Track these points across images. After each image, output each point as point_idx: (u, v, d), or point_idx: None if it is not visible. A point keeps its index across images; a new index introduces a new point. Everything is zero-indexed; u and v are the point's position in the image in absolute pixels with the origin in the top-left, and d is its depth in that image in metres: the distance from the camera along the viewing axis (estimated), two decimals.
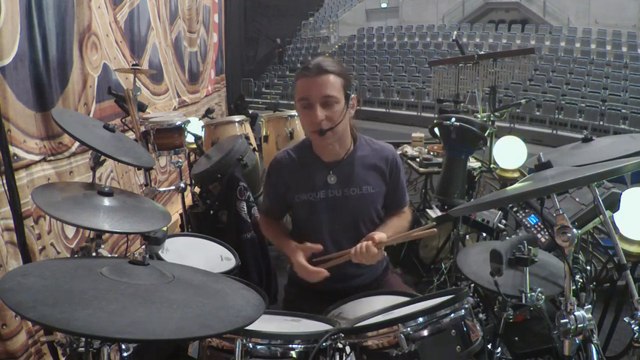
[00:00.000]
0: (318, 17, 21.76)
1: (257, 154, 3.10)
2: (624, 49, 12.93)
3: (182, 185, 2.78)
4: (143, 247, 1.56)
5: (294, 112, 3.57)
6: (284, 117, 3.56)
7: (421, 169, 3.36)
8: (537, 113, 11.04)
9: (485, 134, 2.51)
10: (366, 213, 1.70)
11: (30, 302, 0.83)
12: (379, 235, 1.55)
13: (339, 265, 1.72)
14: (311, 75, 1.54)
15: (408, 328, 1.11)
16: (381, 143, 1.78)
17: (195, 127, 3.47)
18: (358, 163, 1.69)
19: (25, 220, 1.97)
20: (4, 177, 1.83)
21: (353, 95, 1.62)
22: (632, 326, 1.34)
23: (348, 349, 1.20)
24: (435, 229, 1.49)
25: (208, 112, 3.90)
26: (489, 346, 1.51)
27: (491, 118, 3.21)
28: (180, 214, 3.17)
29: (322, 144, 1.63)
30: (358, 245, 1.54)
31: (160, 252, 1.70)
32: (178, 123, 2.82)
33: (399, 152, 2.30)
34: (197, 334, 0.88)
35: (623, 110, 9.93)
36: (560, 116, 10.60)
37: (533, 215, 2.04)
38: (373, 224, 1.73)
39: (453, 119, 2.44)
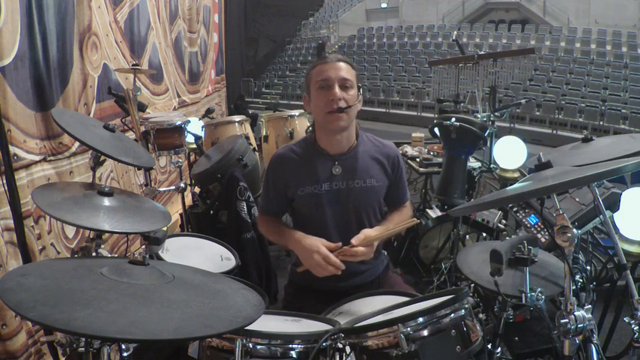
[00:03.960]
0: (318, 17, 21.76)
1: (257, 154, 3.10)
2: (624, 49, 12.93)
3: (182, 185, 2.78)
4: (143, 247, 1.56)
5: (294, 112, 3.58)
6: (284, 117, 3.56)
7: (421, 169, 3.36)
8: (537, 113, 11.04)
9: (486, 134, 2.51)
10: (370, 206, 1.72)
11: (30, 302, 0.82)
12: (359, 237, 1.57)
13: None
14: (330, 61, 1.65)
15: (408, 328, 1.11)
16: (383, 141, 1.82)
17: (195, 127, 3.47)
18: (361, 156, 1.72)
19: (25, 220, 1.97)
20: (4, 177, 1.83)
21: (360, 91, 1.70)
22: (632, 326, 1.34)
23: (348, 349, 1.20)
24: (416, 219, 1.62)
25: (208, 112, 3.90)
26: (489, 346, 1.51)
27: (491, 118, 3.21)
28: (180, 214, 3.17)
29: (336, 125, 1.63)
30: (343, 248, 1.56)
31: (159, 252, 1.70)
32: (178, 123, 2.82)
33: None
34: (197, 334, 0.88)
35: (623, 110, 9.92)
36: (560, 116, 10.60)
37: (533, 215, 2.03)
38: (377, 217, 1.75)
39: (453, 119, 2.44)
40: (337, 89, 1.61)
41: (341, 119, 1.61)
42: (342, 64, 1.64)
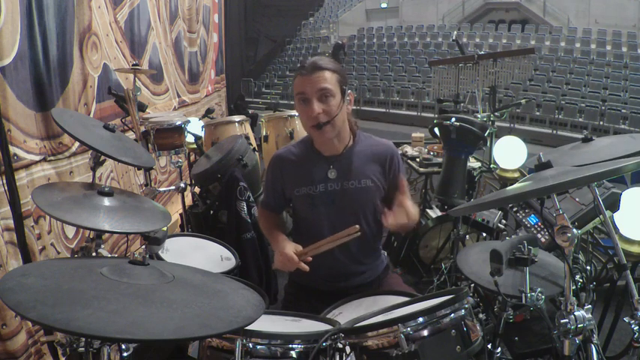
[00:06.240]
0: (318, 17, 21.73)
1: (257, 154, 3.10)
2: (624, 49, 12.92)
3: (182, 185, 2.78)
4: (143, 247, 1.56)
5: (294, 112, 3.58)
6: (284, 117, 3.56)
7: (421, 169, 3.36)
8: (537, 113, 11.03)
9: (486, 134, 2.51)
10: (366, 206, 1.71)
11: (30, 302, 0.83)
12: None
13: (339, 265, 1.72)
14: (307, 73, 1.59)
15: (408, 328, 1.11)
16: (380, 140, 1.80)
17: (195, 127, 3.47)
18: (357, 157, 1.71)
19: (25, 220, 1.97)
20: (4, 177, 1.84)
21: (349, 91, 1.67)
22: (632, 326, 1.34)
23: (348, 349, 1.20)
24: (357, 227, 1.47)
25: (208, 112, 3.90)
26: (489, 346, 1.51)
27: (491, 118, 3.21)
28: (180, 214, 3.17)
29: (321, 138, 1.66)
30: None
31: (159, 252, 1.70)
32: (178, 123, 2.82)
33: (398, 152, 2.29)
34: (197, 334, 0.88)
35: (623, 110, 9.92)
36: (560, 116, 10.59)
37: (533, 215, 2.04)
38: (373, 218, 1.73)
39: (453, 119, 2.44)
40: (315, 104, 1.57)
41: (325, 133, 1.62)
42: (320, 74, 1.57)
